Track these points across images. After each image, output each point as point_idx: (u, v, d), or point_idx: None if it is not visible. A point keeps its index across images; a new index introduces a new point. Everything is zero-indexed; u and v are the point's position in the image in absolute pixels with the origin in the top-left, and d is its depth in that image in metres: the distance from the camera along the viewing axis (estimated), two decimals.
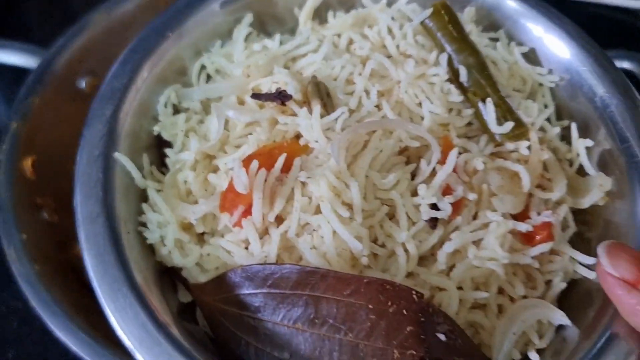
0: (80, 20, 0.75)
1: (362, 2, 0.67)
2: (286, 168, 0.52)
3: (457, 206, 0.52)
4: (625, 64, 0.80)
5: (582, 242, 0.58)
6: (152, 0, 0.78)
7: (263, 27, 0.67)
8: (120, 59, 0.57)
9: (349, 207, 0.50)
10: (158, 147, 0.59)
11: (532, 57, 0.64)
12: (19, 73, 0.75)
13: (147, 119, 0.58)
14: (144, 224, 0.53)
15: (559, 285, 0.54)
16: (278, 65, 0.60)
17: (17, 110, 0.67)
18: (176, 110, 0.61)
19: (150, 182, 0.55)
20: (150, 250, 0.53)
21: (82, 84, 0.74)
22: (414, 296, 0.46)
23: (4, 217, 0.60)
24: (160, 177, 0.57)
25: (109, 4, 0.76)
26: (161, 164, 0.59)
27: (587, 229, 0.59)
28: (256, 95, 0.56)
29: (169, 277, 0.55)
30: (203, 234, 0.54)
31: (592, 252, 0.56)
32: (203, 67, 0.63)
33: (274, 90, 0.56)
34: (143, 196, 0.55)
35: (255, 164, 0.50)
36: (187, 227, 0.54)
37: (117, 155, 0.53)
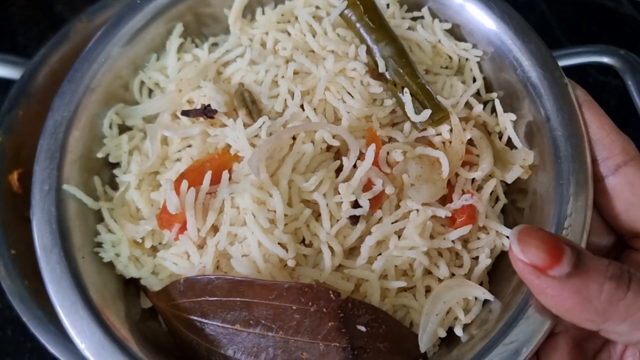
0: (61, 29, 0.77)
1: None
2: (216, 180, 0.57)
3: (377, 199, 0.56)
4: (605, 59, 0.81)
5: (517, 211, 0.61)
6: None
7: (200, 28, 0.70)
8: (58, 92, 0.61)
9: (274, 214, 0.54)
10: (110, 165, 0.64)
11: (456, 32, 0.64)
12: (1, 85, 0.77)
13: (97, 142, 0.63)
14: (100, 244, 0.59)
15: (485, 261, 0.57)
16: (210, 75, 0.63)
17: (1, 124, 0.69)
18: (125, 128, 0.65)
19: (103, 203, 0.60)
20: (110, 265, 0.59)
21: None
22: (332, 295, 0.51)
23: None
24: (114, 195, 0.62)
25: (90, 11, 0.78)
26: (115, 181, 0.64)
27: (521, 198, 0.61)
28: (185, 112, 0.60)
29: (133, 284, 0.61)
30: (154, 245, 0.60)
31: (524, 221, 0.60)
32: (142, 82, 0.66)
33: (202, 104, 0.60)
34: (99, 216, 0.61)
35: (184, 184, 0.55)
36: (138, 243, 0.59)
37: (66, 186, 0.58)
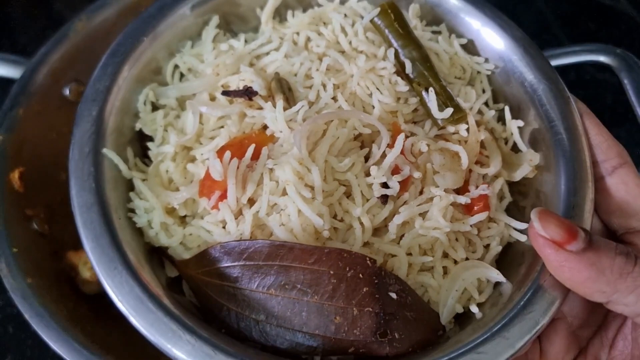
0: (61, 28, 0.77)
1: (317, 1, 0.74)
2: (255, 156, 0.60)
3: (404, 184, 0.60)
4: (601, 58, 0.86)
5: (518, 210, 0.67)
6: (133, 6, 0.81)
7: (229, 26, 0.74)
8: (100, 63, 0.63)
9: (311, 188, 0.58)
10: (140, 141, 0.66)
11: (470, 48, 0.72)
12: (1, 84, 0.77)
13: (129, 116, 0.65)
14: (132, 210, 0.60)
15: (496, 248, 0.62)
16: (244, 64, 0.67)
17: (1, 123, 0.69)
18: (154, 107, 0.67)
19: (135, 172, 0.62)
20: (139, 232, 0.60)
21: (67, 91, 0.76)
22: (368, 262, 0.54)
23: None
24: (144, 167, 0.64)
25: (89, 10, 0.79)
26: (144, 156, 0.66)
27: (522, 199, 0.67)
28: (226, 92, 0.63)
29: (157, 255, 0.62)
30: (185, 216, 0.62)
31: (526, 219, 0.65)
32: (176, 66, 0.69)
33: (241, 87, 0.63)
34: (130, 186, 0.62)
35: (227, 154, 0.58)
36: (170, 211, 0.61)
37: (105, 151, 0.59)
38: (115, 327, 0.62)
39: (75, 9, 0.79)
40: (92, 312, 0.65)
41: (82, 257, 0.67)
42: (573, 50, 0.87)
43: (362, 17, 0.71)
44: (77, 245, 0.61)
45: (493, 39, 0.70)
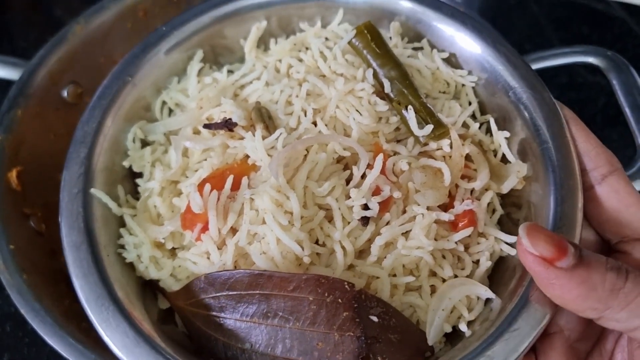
0: (59, 31, 0.78)
1: (300, 27, 0.75)
2: (236, 186, 0.61)
3: (385, 204, 0.60)
4: (590, 59, 0.85)
5: (513, 223, 0.66)
6: (130, 10, 0.83)
7: (217, 58, 0.76)
8: (89, 105, 0.66)
9: (291, 215, 0.58)
10: (131, 177, 0.68)
11: (453, 61, 0.71)
12: (0, 85, 0.79)
13: (120, 154, 0.67)
14: (122, 246, 0.62)
15: (485, 263, 0.61)
16: (227, 95, 0.68)
17: (0, 123, 0.71)
18: (145, 143, 0.70)
19: (125, 209, 0.64)
20: (130, 267, 0.63)
21: (65, 93, 0.78)
22: (346, 286, 0.55)
23: None
24: (134, 203, 0.66)
25: (87, 14, 0.80)
26: (135, 191, 0.68)
27: (515, 210, 0.66)
28: (207, 125, 0.65)
29: (150, 288, 0.64)
30: (174, 248, 0.64)
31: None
32: (164, 102, 0.71)
33: (222, 119, 0.65)
34: (121, 222, 0.64)
35: (207, 186, 0.59)
36: (159, 245, 0.63)
37: (93, 191, 0.62)
38: None
39: (74, 14, 0.81)
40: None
41: None
42: (563, 52, 0.86)
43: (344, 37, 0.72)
44: None
45: (472, 47, 0.69)
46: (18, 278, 0.62)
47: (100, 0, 0.81)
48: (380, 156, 0.61)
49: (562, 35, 0.96)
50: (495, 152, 0.68)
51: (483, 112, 0.70)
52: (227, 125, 0.63)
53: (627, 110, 0.73)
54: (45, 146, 0.74)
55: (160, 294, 0.63)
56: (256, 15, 0.74)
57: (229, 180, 0.60)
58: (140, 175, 0.68)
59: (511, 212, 0.67)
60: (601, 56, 0.82)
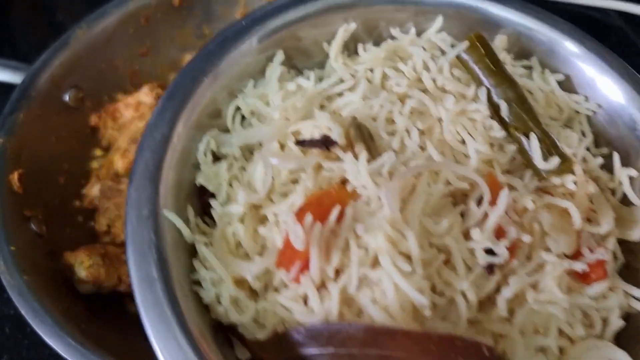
0: (62, 35, 0.77)
1: (390, 33, 0.66)
2: (337, 217, 0.51)
3: (511, 249, 0.52)
4: None
5: (629, 272, 0.59)
6: (132, 16, 0.83)
7: (291, 62, 0.66)
8: (157, 107, 0.55)
9: (406, 257, 0.49)
10: (198, 196, 0.58)
11: (566, 84, 0.64)
12: (3, 89, 0.78)
13: (188, 169, 0.57)
14: (197, 282, 0.52)
15: (617, 322, 0.54)
16: (314, 105, 0.59)
17: (2, 126, 0.70)
18: (214, 156, 0.59)
19: (198, 236, 0.54)
20: (205, 308, 0.52)
21: (67, 97, 0.77)
22: (485, 350, 0.46)
23: None
24: (205, 229, 0.55)
25: (90, 18, 0.79)
26: (202, 213, 0.58)
27: (633, 258, 0.59)
28: (301, 142, 0.55)
29: (223, 333, 0.54)
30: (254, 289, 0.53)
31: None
32: (237, 108, 0.61)
33: (316, 135, 0.55)
34: (191, 251, 0.54)
35: (309, 217, 0.49)
36: (240, 283, 0.53)
37: (166, 212, 0.51)
38: (110, 326, 0.64)
39: (77, 19, 0.80)
40: (88, 311, 0.65)
41: (78, 258, 0.66)
42: None
43: (441, 51, 0.63)
44: (74, 246, 0.67)
45: (593, 72, 0.62)
46: (19, 279, 0.61)
47: (103, 6, 0.81)
48: (506, 191, 0.52)
49: None
50: (613, 192, 0.60)
51: (596, 144, 0.63)
52: (326, 143, 0.54)
53: None
54: (46, 149, 0.74)
55: (237, 342, 0.53)
56: (337, 17, 0.65)
57: (335, 210, 0.50)
58: (206, 193, 0.58)
59: (628, 259, 0.59)
60: None
